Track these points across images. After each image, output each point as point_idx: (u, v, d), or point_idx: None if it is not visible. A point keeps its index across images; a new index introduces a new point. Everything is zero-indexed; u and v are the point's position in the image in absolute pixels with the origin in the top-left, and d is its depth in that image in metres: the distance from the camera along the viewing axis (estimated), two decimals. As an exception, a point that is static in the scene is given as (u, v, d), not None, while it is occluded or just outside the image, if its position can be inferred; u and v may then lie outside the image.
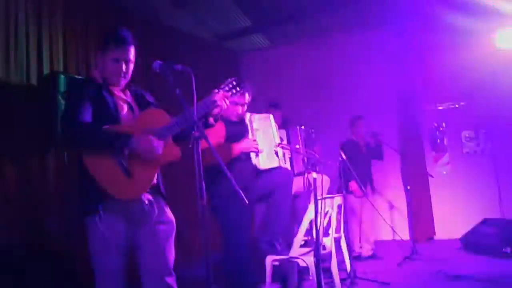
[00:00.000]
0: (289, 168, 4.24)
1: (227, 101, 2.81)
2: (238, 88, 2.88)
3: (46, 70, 4.50)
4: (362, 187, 5.65)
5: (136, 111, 2.64)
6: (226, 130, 3.80)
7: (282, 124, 5.11)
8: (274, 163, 3.99)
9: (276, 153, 4.09)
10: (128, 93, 2.69)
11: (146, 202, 2.51)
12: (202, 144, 2.35)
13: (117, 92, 2.62)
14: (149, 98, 2.78)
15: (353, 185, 5.77)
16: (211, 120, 2.81)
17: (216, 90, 2.79)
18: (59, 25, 4.76)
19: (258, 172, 3.88)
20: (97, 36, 4.96)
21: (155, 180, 2.58)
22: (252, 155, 3.87)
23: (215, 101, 2.71)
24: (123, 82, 2.64)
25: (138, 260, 2.56)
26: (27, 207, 4.13)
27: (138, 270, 2.56)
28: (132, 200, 2.46)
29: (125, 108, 2.61)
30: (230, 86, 2.86)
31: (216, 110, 2.76)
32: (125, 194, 2.41)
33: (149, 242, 2.53)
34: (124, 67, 2.58)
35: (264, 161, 3.93)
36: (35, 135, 4.30)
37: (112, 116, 2.50)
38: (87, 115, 2.42)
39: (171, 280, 2.56)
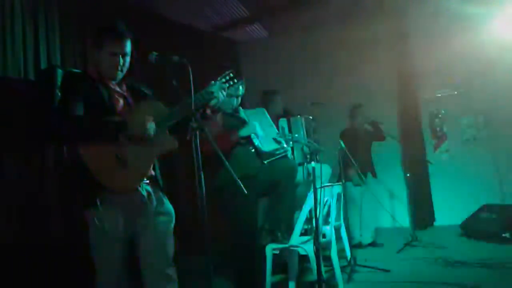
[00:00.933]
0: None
1: (224, 93, 2.81)
2: (235, 80, 2.88)
3: (43, 65, 4.50)
4: (362, 176, 5.66)
5: (132, 104, 2.64)
6: (224, 122, 3.82)
7: (284, 113, 5.12)
8: (276, 145, 4.03)
9: (277, 141, 4.13)
10: (124, 86, 2.68)
11: (145, 193, 2.52)
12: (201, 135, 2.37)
13: (112, 85, 2.61)
14: (146, 90, 2.77)
15: None
16: (208, 111, 2.81)
17: (213, 82, 2.79)
18: (55, 18, 4.75)
19: (262, 157, 3.90)
20: (93, 29, 4.93)
21: (152, 172, 2.59)
22: (253, 136, 3.89)
23: (212, 93, 2.72)
24: (120, 75, 2.63)
25: (138, 252, 2.57)
26: (27, 203, 4.14)
27: (138, 262, 2.57)
28: (130, 192, 2.47)
29: (121, 101, 2.61)
30: (227, 78, 2.86)
31: (213, 102, 2.77)
32: (121, 186, 2.42)
33: (148, 234, 2.54)
34: (121, 61, 2.57)
35: (268, 144, 3.96)
36: (34, 129, 4.30)
37: (106, 109, 2.50)
38: (79, 109, 2.41)
39: (171, 271, 2.58)
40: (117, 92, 2.61)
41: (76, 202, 2.55)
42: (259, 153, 3.94)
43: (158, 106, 2.62)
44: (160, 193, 2.63)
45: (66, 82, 2.61)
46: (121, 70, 2.60)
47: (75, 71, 2.74)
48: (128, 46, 2.59)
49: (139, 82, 2.79)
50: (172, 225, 2.64)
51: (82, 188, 2.45)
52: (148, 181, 2.56)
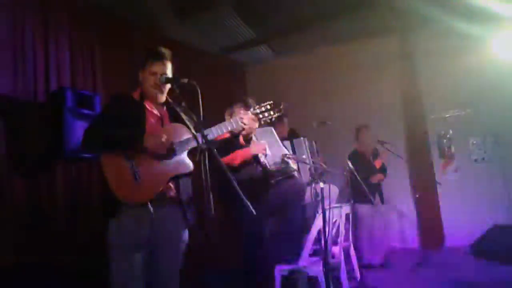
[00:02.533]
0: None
1: (256, 124, 2.82)
2: (272, 113, 2.85)
3: (53, 86, 4.56)
4: (371, 196, 5.62)
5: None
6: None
7: (288, 135, 5.13)
8: (284, 165, 4.02)
9: (284, 162, 4.12)
10: (164, 109, 2.76)
11: (155, 212, 2.53)
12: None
13: (150, 106, 2.70)
14: (185, 116, 2.76)
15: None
16: (241, 139, 2.84)
17: (227, 115, 2.82)
18: (65, 41, 4.82)
19: (269, 176, 3.89)
20: (103, 51, 5.01)
21: (172, 193, 2.61)
22: (261, 155, 3.89)
23: (243, 123, 2.75)
24: (161, 96, 2.71)
25: (148, 267, 2.58)
26: (36, 220, 4.16)
27: (149, 272, 2.58)
28: (139, 206, 2.50)
29: (153, 120, 2.68)
30: (263, 109, 2.86)
31: (244, 132, 2.79)
32: (131, 199, 2.48)
33: (160, 253, 2.58)
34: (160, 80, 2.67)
35: (274, 164, 3.95)
36: (44, 150, 4.34)
37: (137, 127, 2.57)
38: (106, 124, 2.53)
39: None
40: (153, 114, 2.70)
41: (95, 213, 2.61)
42: (266, 172, 3.94)
43: (182, 129, 2.66)
44: (179, 216, 2.64)
45: (109, 100, 2.77)
46: (162, 92, 2.70)
47: (121, 93, 2.81)
48: (169, 68, 2.72)
49: (183, 107, 2.77)
50: (182, 250, 2.67)
51: (103, 199, 2.57)
52: (165, 201, 2.58)
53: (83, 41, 5.05)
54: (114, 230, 2.50)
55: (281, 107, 2.87)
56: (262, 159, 3.90)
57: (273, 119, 2.90)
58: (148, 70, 2.69)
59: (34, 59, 4.44)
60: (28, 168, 4.21)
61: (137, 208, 2.49)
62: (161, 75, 2.66)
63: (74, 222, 4.50)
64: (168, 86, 2.71)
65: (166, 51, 2.73)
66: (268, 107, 2.84)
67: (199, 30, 6.70)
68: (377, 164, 6.00)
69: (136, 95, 2.73)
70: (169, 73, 2.71)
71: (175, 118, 2.75)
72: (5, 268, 3.71)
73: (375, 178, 5.96)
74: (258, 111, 2.83)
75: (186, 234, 2.69)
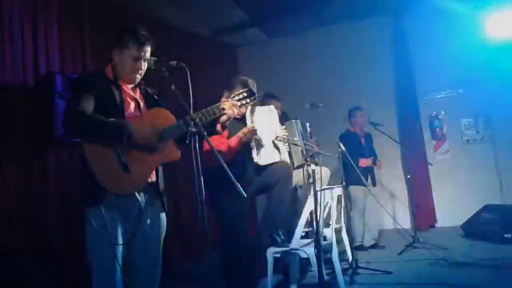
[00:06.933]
0: (288, 160, 4.24)
1: (236, 110, 2.80)
2: (248, 100, 2.84)
3: (42, 70, 4.51)
4: (363, 178, 5.64)
5: (144, 109, 2.63)
6: (228, 128, 3.78)
7: (280, 118, 5.11)
8: (274, 158, 3.99)
9: (276, 146, 4.10)
10: (138, 91, 2.68)
11: (142, 200, 2.51)
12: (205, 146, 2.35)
13: (127, 88, 2.61)
14: (158, 97, 2.74)
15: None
16: (219, 127, 2.81)
17: (224, 98, 2.78)
18: (54, 24, 4.76)
19: (258, 168, 3.88)
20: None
21: (154, 178, 2.58)
22: (253, 152, 3.87)
23: (223, 109, 2.71)
24: (138, 79, 2.64)
25: (127, 258, 2.52)
26: (27, 206, 4.15)
27: (128, 264, 2.53)
28: (128, 196, 2.45)
29: (132, 105, 2.60)
30: (241, 96, 2.83)
31: (224, 118, 2.76)
32: (120, 189, 2.40)
33: (140, 242, 2.53)
34: (142, 65, 2.58)
35: (265, 157, 3.93)
36: (34, 135, 4.32)
37: (116, 111, 2.48)
38: (90, 107, 2.39)
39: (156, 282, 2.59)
40: (130, 95, 2.61)
41: (77, 203, 2.50)
42: (256, 166, 3.91)
43: (167, 115, 2.60)
44: (159, 202, 2.61)
45: (80, 78, 2.64)
46: (140, 74, 2.62)
47: (89, 71, 2.71)
48: (149, 51, 2.61)
49: (152, 88, 2.76)
50: (163, 236, 2.64)
51: (84, 188, 2.43)
52: (148, 188, 2.54)
53: (72, 25, 4.98)
54: (96, 224, 2.37)
55: (257, 95, 2.87)
56: (254, 156, 3.86)
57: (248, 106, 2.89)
58: (128, 54, 2.55)
59: (22, 43, 4.38)
60: (18, 155, 4.18)
61: (124, 199, 2.43)
62: (143, 60, 2.56)
63: (67, 207, 4.48)
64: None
65: (147, 34, 2.58)
66: (245, 94, 2.83)
67: (189, 12, 6.62)
68: None
69: (109, 73, 2.60)
70: (149, 55, 2.60)
71: (149, 100, 2.69)
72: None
73: (363, 162, 5.95)
74: (237, 98, 2.80)
75: (165, 220, 2.66)
